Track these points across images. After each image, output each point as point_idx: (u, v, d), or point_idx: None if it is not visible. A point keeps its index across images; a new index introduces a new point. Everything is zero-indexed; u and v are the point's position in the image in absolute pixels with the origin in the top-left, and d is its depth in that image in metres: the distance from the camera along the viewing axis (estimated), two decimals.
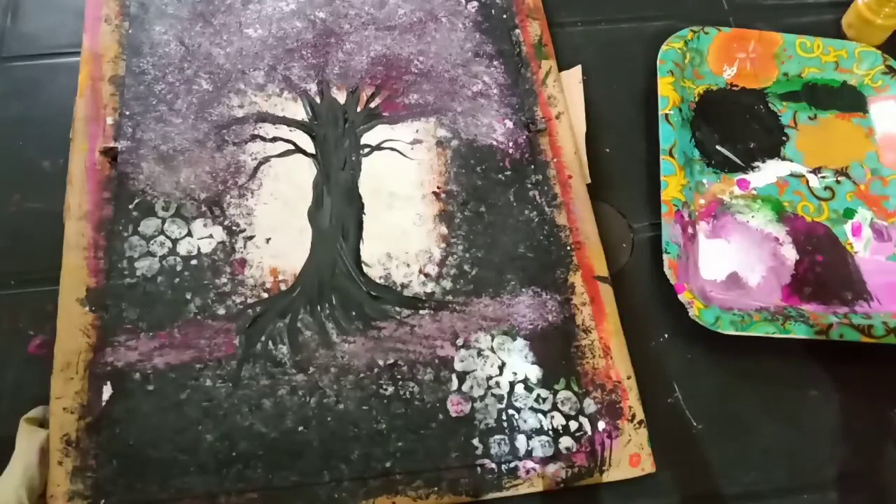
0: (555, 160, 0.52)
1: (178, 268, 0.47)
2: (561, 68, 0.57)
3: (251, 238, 0.48)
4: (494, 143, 0.53)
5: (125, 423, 0.42)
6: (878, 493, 0.45)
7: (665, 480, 0.44)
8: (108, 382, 0.43)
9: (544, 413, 0.44)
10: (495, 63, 0.56)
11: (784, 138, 0.56)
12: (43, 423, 0.42)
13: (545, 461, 0.43)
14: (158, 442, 0.42)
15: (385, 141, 0.52)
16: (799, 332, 0.46)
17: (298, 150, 0.52)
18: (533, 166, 0.52)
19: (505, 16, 0.58)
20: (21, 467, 0.39)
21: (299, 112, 0.53)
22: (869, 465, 0.46)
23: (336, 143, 0.52)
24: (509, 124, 0.54)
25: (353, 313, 0.46)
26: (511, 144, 0.53)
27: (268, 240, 0.48)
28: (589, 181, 0.52)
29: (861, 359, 0.48)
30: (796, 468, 0.45)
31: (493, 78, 0.55)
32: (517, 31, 0.57)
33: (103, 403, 0.42)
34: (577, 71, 0.57)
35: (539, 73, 0.56)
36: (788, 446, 0.46)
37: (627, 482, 0.43)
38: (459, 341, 0.46)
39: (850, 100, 0.58)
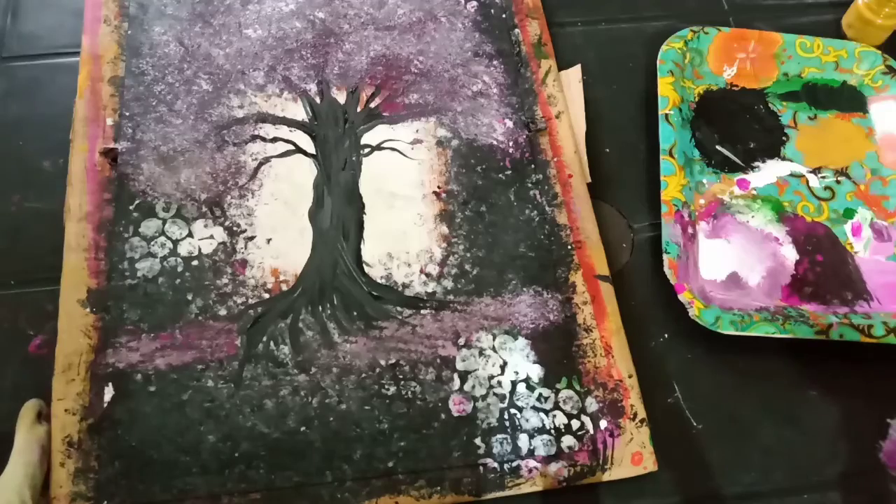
0: (555, 159, 0.52)
1: (179, 269, 0.47)
2: (561, 68, 0.57)
3: (252, 238, 0.48)
4: (495, 142, 0.53)
5: (127, 424, 0.42)
6: (878, 493, 0.45)
7: (665, 480, 0.44)
8: (110, 383, 0.43)
9: (546, 412, 0.44)
10: (495, 63, 0.56)
11: (784, 138, 0.56)
12: (41, 414, 0.42)
13: (547, 460, 0.43)
14: (160, 443, 0.42)
15: (385, 141, 0.52)
16: (799, 332, 0.46)
17: (299, 150, 0.52)
18: (533, 166, 0.52)
19: (504, 15, 0.58)
20: (22, 465, 0.39)
21: (299, 112, 0.53)
22: (869, 465, 0.46)
23: (336, 143, 0.52)
24: (509, 124, 0.54)
25: (355, 313, 0.46)
26: (511, 144, 0.53)
27: (269, 240, 0.48)
28: (589, 180, 0.52)
29: (861, 359, 0.48)
30: (796, 468, 0.46)
31: (492, 77, 0.55)
32: (517, 30, 0.57)
33: (105, 405, 0.42)
34: (576, 70, 0.57)
35: (539, 73, 0.56)
36: (788, 446, 0.46)
37: (628, 482, 0.43)
38: (461, 341, 0.46)
39: (850, 100, 0.58)
